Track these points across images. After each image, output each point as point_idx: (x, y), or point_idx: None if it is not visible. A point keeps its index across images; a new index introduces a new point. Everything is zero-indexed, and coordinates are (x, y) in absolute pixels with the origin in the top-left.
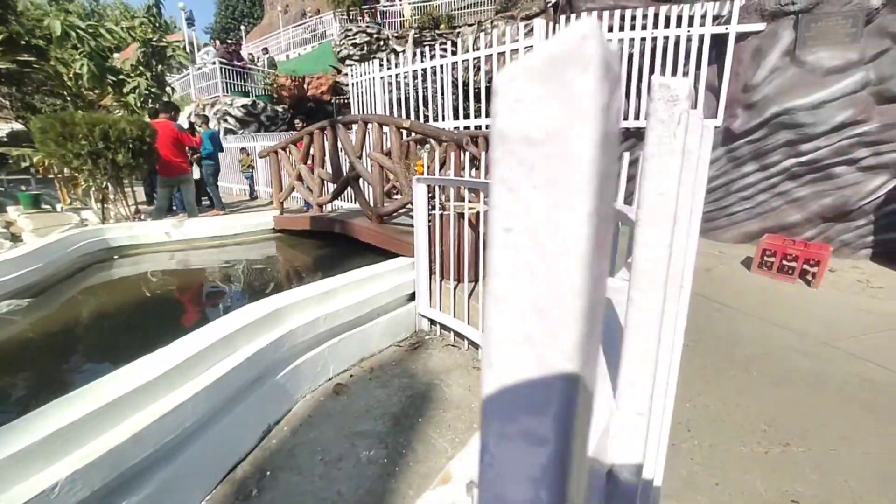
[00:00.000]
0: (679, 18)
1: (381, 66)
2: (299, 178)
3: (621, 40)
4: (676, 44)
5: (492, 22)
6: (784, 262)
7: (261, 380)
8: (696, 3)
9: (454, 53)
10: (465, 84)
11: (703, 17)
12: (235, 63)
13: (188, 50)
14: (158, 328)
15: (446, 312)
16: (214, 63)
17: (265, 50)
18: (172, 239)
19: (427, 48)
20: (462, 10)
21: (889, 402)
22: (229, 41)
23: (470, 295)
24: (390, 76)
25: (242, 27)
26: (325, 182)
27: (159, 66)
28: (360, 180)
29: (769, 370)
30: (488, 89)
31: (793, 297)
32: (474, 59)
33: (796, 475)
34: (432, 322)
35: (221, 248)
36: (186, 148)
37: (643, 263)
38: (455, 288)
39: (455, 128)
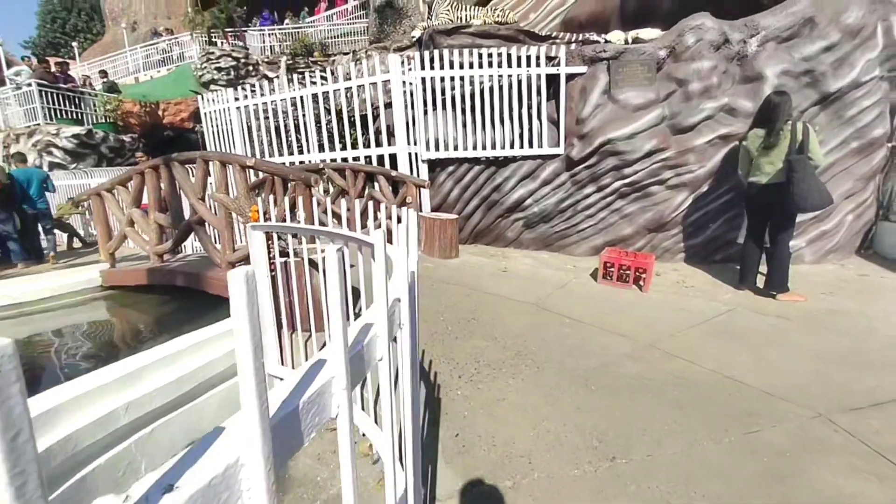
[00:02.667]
0: (519, 59)
1: (236, 95)
2: (132, 224)
3: (472, 77)
4: (521, 80)
5: (366, 52)
6: (621, 272)
7: None
8: (534, 45)
9: (325, 80)
10: (329, 116)
11: (538, 58)
12: (61, 86)
13: None
14: None
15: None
16: (31, 85)
17: (103, 72)
18: None
19: (295, 75)
20: (336, 39)
21: (693, 397)
22: (54, 59)
23: (323, 346)
24: (248, 106)
25: (75, 44)
26: (165, 228)
27: None
28: (206, 224)
29: (605, 381)
30: (352, 121)
31: (629, 303)
32: (335, 90)
33: (618, 490)
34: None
35: (19, 320)
36: None
37: None
38: (307, 341)
39: (322, 160)
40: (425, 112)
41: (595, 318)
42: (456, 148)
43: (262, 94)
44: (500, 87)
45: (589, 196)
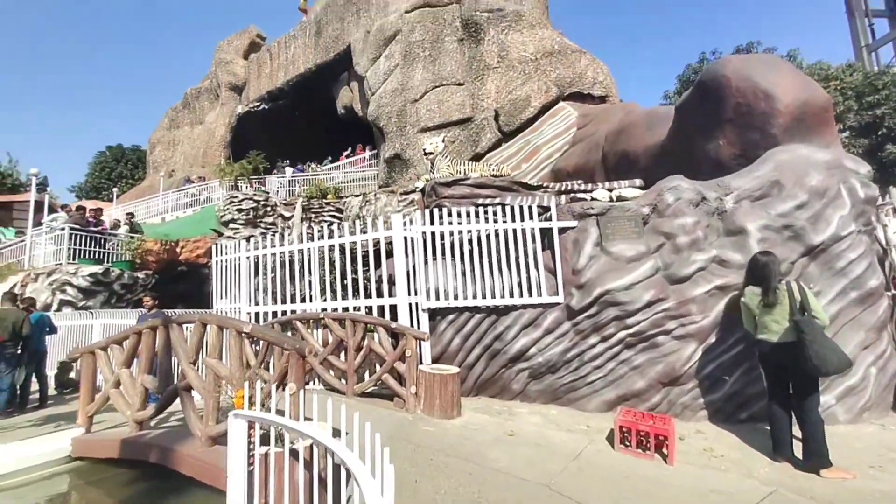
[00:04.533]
0: (513, 210)
1: (248, 245)
2: (118, 385)
3: (470, 231)
4: (516, 232)
5: (375, 194)
6: (640, 438)
7: None
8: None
9: (332, 235)
10: (332, 261)
11: (531, 209)
12: (91, 229)
13: (34, 211)
14: None
15: None
16: (64, 229)
17: (130, 214)
18: None
19: (305, 228)
20: (349, 183)
21: None
22: (92, 203)
23: None
24: (258, 256)
25: (115, 189)
26: (150, 392)
27: None
28: (193, 391)
29: None
30: (355, 273)
31: (654, 482)
32: (340, 244)
33: None
34: None
35: None
36: None
37: None
38: None
39: (324, 309)
40: (426, 262)
41: None
42: (456, 297)
43: (271, 246)
44: (497, 237)
45: (594, 346)
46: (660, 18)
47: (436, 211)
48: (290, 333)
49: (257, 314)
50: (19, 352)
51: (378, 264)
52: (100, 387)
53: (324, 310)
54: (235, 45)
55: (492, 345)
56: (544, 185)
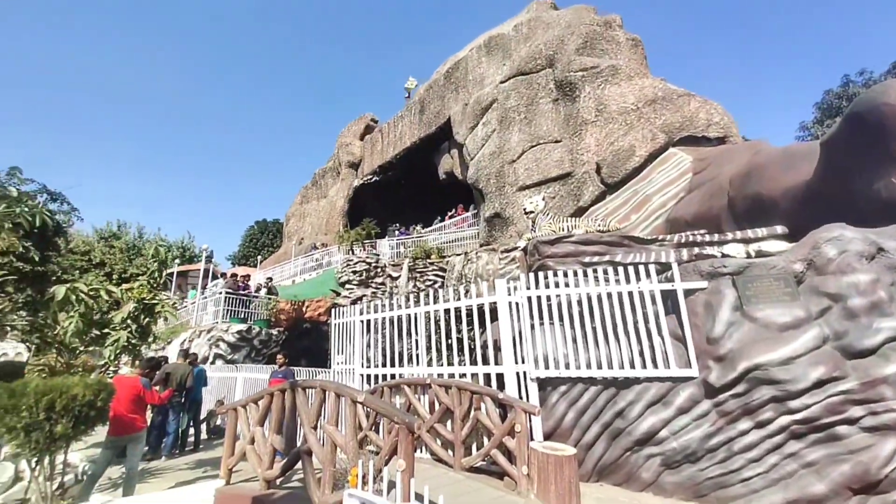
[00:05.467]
0: (626, 269)
1: (361, 309)
2: (252, 442)
3: (580, 293)
4: (632, 294)
5: (476, 253)
6: None
7: None
8: (640, 251)
9: (437, 300)
10: (437, 321)
11: (648, 267)
12: (240, 292)
13: (201, 277)
14: None
15: None
16: (221, 293)
17: (269, 279)
18: None
19: (413, 282)
20: (451, 244)
21: None
22: (242, 270)
23: None
24: (370, 319)
25: (259, 256)
26: (277, 451)
27: (146, 319)
28: (313, 455)
29: None
30: (460, 340)
31: None
32: (445, 309)
33: None
34: None
35: None
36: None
37: None
38: None
39: (429, 374)
40: (532, 327)
41: None
42: (567, 366)
43: (381, 310)
44: (611, 299)
45: (746, 433)
46: (784, 42)
47: (541, 274)
48: (397, 398)
49: (368, 376)
50: (182, 401)
51: (482, 322)
52: (240, 435)
53: (429, 374)
54: (353, 130)
55: (612, 423)
56: (659, 237)
